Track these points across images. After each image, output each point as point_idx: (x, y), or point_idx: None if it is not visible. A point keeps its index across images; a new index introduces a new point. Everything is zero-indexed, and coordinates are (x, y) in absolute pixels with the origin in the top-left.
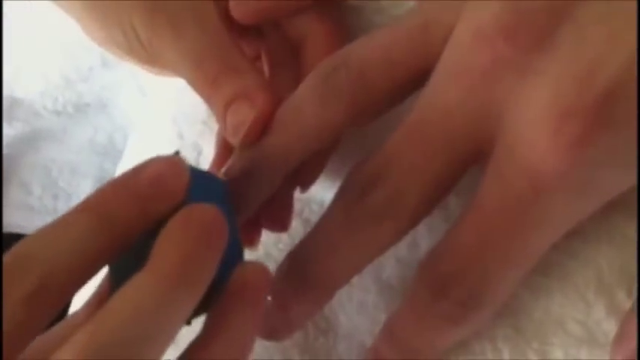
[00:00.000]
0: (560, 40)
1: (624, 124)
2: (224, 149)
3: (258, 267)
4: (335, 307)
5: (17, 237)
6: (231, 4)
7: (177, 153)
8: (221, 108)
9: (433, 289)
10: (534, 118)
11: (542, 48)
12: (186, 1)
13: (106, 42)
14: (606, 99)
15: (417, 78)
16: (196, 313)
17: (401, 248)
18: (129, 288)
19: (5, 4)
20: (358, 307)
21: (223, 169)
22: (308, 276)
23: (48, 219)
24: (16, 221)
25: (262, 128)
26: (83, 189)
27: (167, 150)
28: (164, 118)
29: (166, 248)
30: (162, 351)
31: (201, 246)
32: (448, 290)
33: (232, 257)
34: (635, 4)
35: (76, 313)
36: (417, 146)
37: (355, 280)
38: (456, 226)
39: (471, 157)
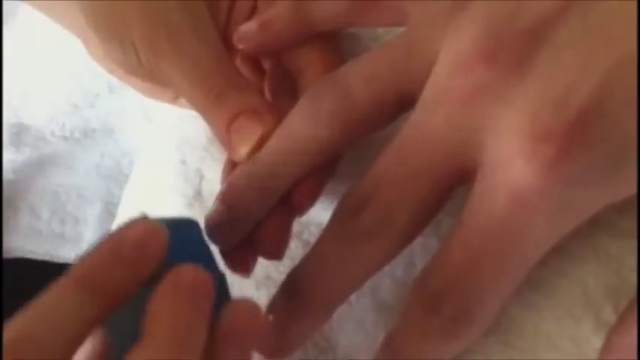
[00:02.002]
0: (537, 64)
1: (598, 144)
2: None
3: (248, 306)
4: (334, 326)
5: (26, 262)
6: (235, 36)
7: (144, 216)
8: (224, 123)
9: (425, 305)
10: (513, 141)
11: (520, 72)
12: (186, 19)
13: (107, 60)
14: (580, 121)
15: (404, 96)
16: None
17: (397, 268)
18: None
19: (12, 32)
20: (357, 327)
21: (222, 189)
22: (306, 295)
23: (56, 243)
24: (26, 246)
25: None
26: (91, 213)
27: (171, 175)
28: (168, 144)
29: (160, 319)
30: None
31: (193, 312)
32: (439, 306)
33: (218, 295)
34: (610, 24)
35: None
36: (403, 168)
37: (353, 299)
38: (446, 243)
39: (456, 178)
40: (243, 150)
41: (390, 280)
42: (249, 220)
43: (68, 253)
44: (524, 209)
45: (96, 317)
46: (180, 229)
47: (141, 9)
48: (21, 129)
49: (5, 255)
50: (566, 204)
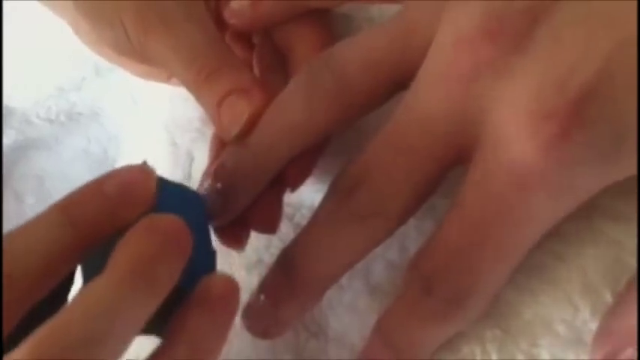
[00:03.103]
0: (539, 42)
1: (600, 124)
2: (219, 153)
3: (225, 278)
4: (325, 309)
5: None
6: (226, 12)
7: (144, 163)
8: (215, 102)
9: (420, 286)
10: (514, 119)
11: (521, 50)
12: None
13: (97, 42)
14: (582, 100)
15: (399, 78)
16: (163, 323)
17: (390, 251)
18: (85, 291)
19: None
20: (349, 310)
21: (214, 168)
22: (296, 275)
23: None
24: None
25: (256, 123)
26: None
27: (160, 157)
28: (157, 126)
29: (122, 253)
30: (115, 354)
31: (159, 253)
32: (434, 287)
33: (202, 269)
34: (611, 7)
35: None
36: (398, 149)
37: (345, 282)
38: (441, 224)
39: (453, 159)
40: (233, 129)
41: (382, 263)
42: (243, 199)
43: None
44: (523, 187)
45: (70, 246)
46: (181, 194)
47: None
48: (6, 112)
49: None
50: (565, 184)
